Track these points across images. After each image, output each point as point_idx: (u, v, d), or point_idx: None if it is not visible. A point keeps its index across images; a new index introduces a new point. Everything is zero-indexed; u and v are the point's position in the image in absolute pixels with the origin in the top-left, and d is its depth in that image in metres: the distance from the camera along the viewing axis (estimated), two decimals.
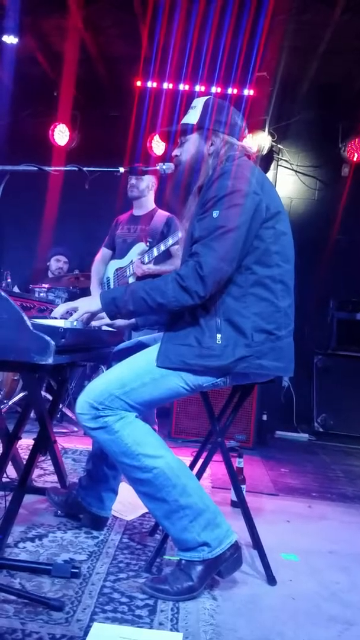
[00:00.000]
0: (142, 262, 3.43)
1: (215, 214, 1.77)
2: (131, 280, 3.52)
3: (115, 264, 3.68)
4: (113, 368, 1.87)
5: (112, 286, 3.66)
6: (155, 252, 3.40)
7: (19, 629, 1.46)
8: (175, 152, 2.02)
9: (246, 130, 2.06)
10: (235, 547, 1.82)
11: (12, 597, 1.59)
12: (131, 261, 3.53)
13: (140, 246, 3.54)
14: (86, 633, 1.47)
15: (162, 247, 3.38)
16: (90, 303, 1.86)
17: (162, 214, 3.62)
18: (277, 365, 1.82)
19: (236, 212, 1.76)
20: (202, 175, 1.93)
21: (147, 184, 3.60)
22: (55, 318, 1.85)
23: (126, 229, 3.68)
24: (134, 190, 3.60)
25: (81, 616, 1.56)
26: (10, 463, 2.27)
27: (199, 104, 1.98)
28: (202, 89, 5.15)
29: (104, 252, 3.79)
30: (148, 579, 1.81)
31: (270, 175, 5.79)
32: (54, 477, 2.61)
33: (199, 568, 1.76)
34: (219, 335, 1.77)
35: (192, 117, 1.97)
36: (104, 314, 1.91)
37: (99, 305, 1.84)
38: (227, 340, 1.77)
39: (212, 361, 1.76)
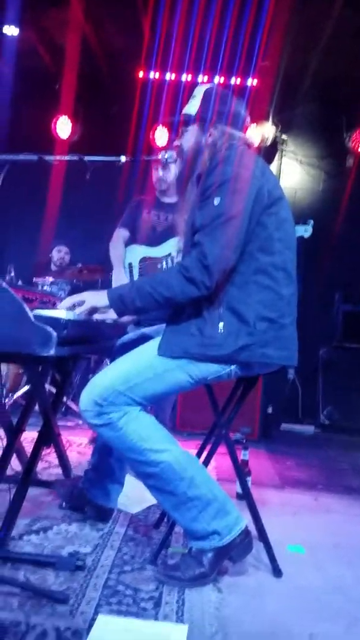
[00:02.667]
0: None
1: (216, 201, 1.74)
2: None
3: (141, 250, 3.44)
4: (116, 363, 1.85)
5: (135, 274, 3.44)
6: None
7: (23, 621, 1.46)
8: (177, 142, 2.01)
9: (249, 119, 2.03)
10: (246, 532, 1.82)
11: (17, 590, 1.59)
12: (169, 254, 3.34)
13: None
14: (90, 626, 1.46)
15: None
16: (98, 298, 1.84)
17: None
18: (281, 354, 1.80)
19: (238, 198, 1.74)
20: (201, 165, 1.91)
21: (175, 172, 3.36)
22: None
23: (154, 215, 3.48)
24: (162, 183, 3.41)
25: (85, 609, 1.55)
26: (14, 456, 2.27)
27: (199, 93, 1.96)
28: (205, 79, 5.11)
29: (122, 232, 3.53)
30: (160, 566, 1.82)
31: (274, 166, 5.75)
32: (59, 470, 2.61)
33: (210, 555, 1.77)
34: (221, 324, 1.75)
35: (192, 107, 1.96)
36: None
37: (106, 301, 1.82)
38: (230, 329, 1.75)
39: (214, 350, 1.75)
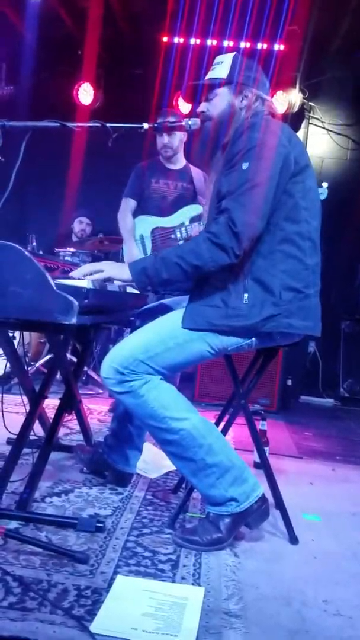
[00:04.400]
0: None
1: (244, 166, 1.72)
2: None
3: (152, 221, 3.40)
4: (137, 332, 1.86)
5: (147, 246, 3.41)
6: None
7: (45, 579, 1.51)
8: (202, 108, 1.96)
9: (269, 90, 1.99)
10: (263, 499, 1.85)
11: (39, 550, 1.64)
12: (182, 223, 3.33)
13: (195, 209, 3.31)
14: (110, 585, 1.51)
15: None
16: (118, 270, 1.81)
17: (197, 171, 3.44)
18: (305, 324, 1.80)
19: (265, 165, 1.71)
20: (231, 130, 1.87)
21: (180, 138, 3.38)
22: (75, 278, 1.83)
23: (163, 183, 3.44)
24: (169, 150, 3.38)
25: (105, 569, 1.60)
26: (37, 421, 2.32)
27: (226, 59, 1.92)
28: (231, 44, 4.98)
29: (129, 202, 3.48)
30: (178, 530, 1.86)
31: (301, 133, 5.61)
32: (80, 436, 2.66)
33: (227, 520, 1.80)
34: (245, 295, 1.74)
35: (221, 71, 1.91)
36: None
37: (128, 274, 1.79)
38: (254, 299, 1.74)
39: (238, 321, 1.74)
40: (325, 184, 3.33)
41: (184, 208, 3.36)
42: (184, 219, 3.33)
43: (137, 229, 3.45)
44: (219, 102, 1.90)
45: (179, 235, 3.33)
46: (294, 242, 1.78)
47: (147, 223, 3.43)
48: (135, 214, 3.48)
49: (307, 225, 1.81)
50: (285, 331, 1.78)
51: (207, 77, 1.95)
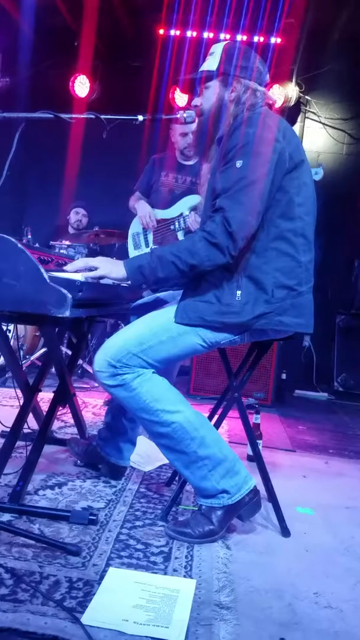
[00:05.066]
0: None
1: (238, 163, 1.70)
2: (180, 235, 3.29)
3: (156, 213, 3.41)
4: (130, 325, 1.86)
5: (150, 238, 3.43)
6: None
7: (37, 571, 1.51)
8: (195, 101, 1.95)
9: (267, 76, 1.96)
10: (254, 491, 1.85)
11: (31, 542, 1.64)
12: (181, 214, 3.32)
13: (195, 199, 3.28)
14: (102, 577, 1.51)
15: None
16: (114, 268, 1.78)
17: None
18: (297, 321, 1.80)
19: (260, 161, 1.70)
20: (225, 124, 1.85)
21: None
22: (69, 272, 1.83)
23: (172, 177, 3.43)
24: (192, 149, 3.32)
25: (97, 561, 1.60)
26: (31, 414, 2.32)
27: (217, 49, 1.89)
28: (227, 37, 4.95)
29: (138, 196, 3.51)
30: (170, 522, 1.86)
31: (297, 128, 5.60)
32: (74, 430, 2.66)
33: (219, 513, 1.80)
34: (238, 292, 1.74)
35: (211, 63, 1.89)
36: None
37: (123, 272, 1.77)
38: (247, 297, 1.74)
39: (231, 318, 1.74)
40: (321, 165, 3.28)
41: (183, 199, 3.35)
42: (183, 209, 3.33)
43: (135, 227, 3.49)
44: (210, 95, 1.88)
45: (177, 226, 3.33)
46: (288, 239, 1.78)
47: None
48: None
49: (301, 222, 1.80)
50: (276, 328, 1.78)
51: (200, 69, 1.93)
